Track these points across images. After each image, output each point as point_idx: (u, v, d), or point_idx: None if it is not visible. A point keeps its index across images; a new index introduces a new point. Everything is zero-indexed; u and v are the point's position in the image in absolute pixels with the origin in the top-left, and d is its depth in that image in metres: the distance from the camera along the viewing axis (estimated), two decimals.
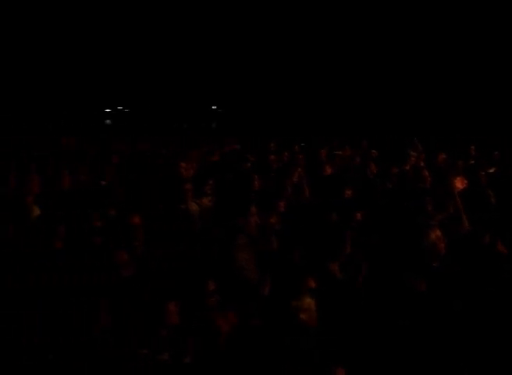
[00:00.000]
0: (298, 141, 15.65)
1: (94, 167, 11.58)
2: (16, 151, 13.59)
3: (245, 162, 11.96)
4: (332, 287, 6.81)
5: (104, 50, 29.16)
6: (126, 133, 22.33)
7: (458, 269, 6.81)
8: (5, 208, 9.05)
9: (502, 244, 7.52)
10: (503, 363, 5.98)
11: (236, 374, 5.77)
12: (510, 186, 10.39)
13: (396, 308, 6.28)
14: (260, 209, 8.42)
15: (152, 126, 29.59)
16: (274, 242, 8.02)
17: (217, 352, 5.86)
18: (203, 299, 6.32)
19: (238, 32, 28.32)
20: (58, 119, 27.79)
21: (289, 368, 5.50)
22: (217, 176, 10.43)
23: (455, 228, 8.09)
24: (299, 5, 27.02)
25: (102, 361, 6.00)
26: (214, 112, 36.08)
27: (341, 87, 27.63)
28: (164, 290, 6.58)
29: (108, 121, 35.73)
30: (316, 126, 23.39)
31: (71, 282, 7.17)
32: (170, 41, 29.16)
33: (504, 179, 11.10)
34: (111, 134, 22.28)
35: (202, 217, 9.20)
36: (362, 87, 27.18)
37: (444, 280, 6.60)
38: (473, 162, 12.87)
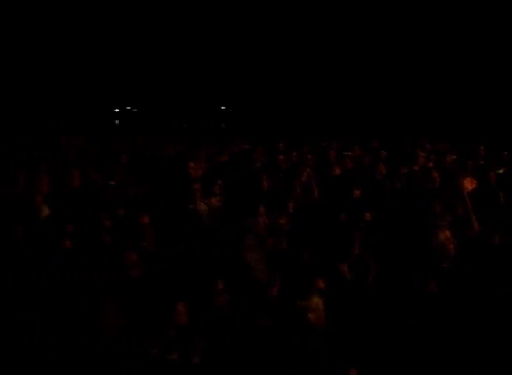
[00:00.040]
0: (307, 141, 15.61)
1: (103, 167, 11.60)
2: (20, 151, 13.62)
3: (254, 162, 11.94)
4: (341, 287, 6.80)
5: (113, 50, 29.20)
6: (134, 133, 22.36)
7: (467, 269, 6.79)
8: (15, 208, 9.08)
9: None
10: None
11: (245, 374, 5.78)
12: None
13: (404, 308, 6.26)
14: (269, 210, 8.42)
15: (161, 126, 29.63)
16: (283, 242, 8.01)
17: (225, 352, 5.87)
18: (212, 299, 6.33)
19: (247, 33, 28.31)
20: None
21: (297, 367, 5.50)
22: (226, 176, 10.43)
23: (464, 229, 8.07)
24: (310, 5, 27.00)
25: (111, 361, 6.01)
26: (223, 112, 36.09)
27: (351, 87, 27.60)
28: (172, 290, 6.59)
29: (116, 121, 35.79)
30: (325, 127, 23.36)
31: (76, 282, 7.21)
32: (179, 42, 29.17)
33: None
34: (119, 134, 22.29)
35: (211, 217, 9.20)
36: (372, 88, 27.14)
37: (453, 280, 6.59)
38: (482, 162, 12.80)
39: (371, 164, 11.87)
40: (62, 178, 10.64)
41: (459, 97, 24.84)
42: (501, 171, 11.96)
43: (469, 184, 10.19)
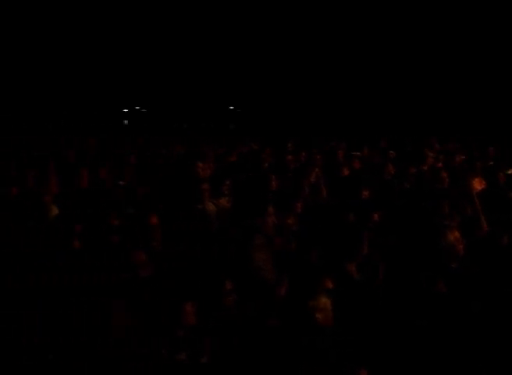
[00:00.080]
0: (316, 141, 15.63)
1: (111, 167, 11.63)
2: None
3: (262, 163, 11.96)
4: (349, 287, 6.80)
5: (122, 51, 29.26)
6: (143, 134, 22.41)
7: (476, 270, 6.78)
8: (24, 208, 9.10)
9: None
10: None
11: (253, 374, 5.78)
12: None
13: (413, 308, 6.26)
14: (277, 210, 8.42)
15: (169, 127, 29.69)
16: (291, 242, 8.01)
17: (234, 352, 5.87)
18: (220, 299, 6.33)
19: (256, 34, 28.33)
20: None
21: (305, 367, 5.50)
22: (234, 176, 10.44)
23: (473, 229, 8.05)
24: (320, 5, 27.00)
25: (119, 361, 6.02)
26: (231, 113, 36.11)
27: (360, 87, 27.58)
28: (181, 290, 6.60)
29: (125, 121, 35.86)
30: (334, 127, 23.37)
31: (84, 282, 7.22)
32: (189, 42, 29.21)
33: None
34: (128, 134, 22.34)
35: (219, 217, 9.21)
36: (381, 88, 27.12)
37: (462, 281, 6.57)
38: (491, 163, 12.79)
39: (380, 164, 11.87)
40: (71, 178, 10.68)
41: (468, 97, 24.79)
42: (510, 172, 11.94)
43: (478, 185, 10.16)
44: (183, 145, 15.63)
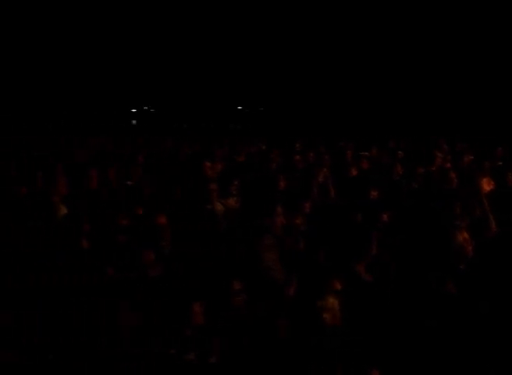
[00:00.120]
0: (324, 141, 15.62)
1: (120, 167, 11.65)
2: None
3: (270, 163, 11.97)
4: (358, 287, 6.79)
5: (131, 51, 29.31)
6: (151, 133, 22.45)
7: (485, 271, 6.76)
8: (33, 208, 9.13)
9: None
10: None
11: (261, 374, 5.78)
12: None
13: (422, 308, 6.25)
14: (285, 210, 8.42)
15: (178, 127, 29.72)
16: (300, 242, 8.01)
17: (242, 352, 5.87)
18: (229, 299, 6.34)
19: (264, 35, 28.33)
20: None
21: (313, 367, 5.50)
22: (242, 176, 10.45)
23: (482, 230, 8.02)
24: (329, 7, 27.00)
25: (128, 360, 6.04)
26: (239, 113, 36.12)
27: (369, 88, 27.56)
28: (189, 290, 6.60)
29: (133, 121, 35.90)
30: (342, 127, 23.35)
31: (93, 281, 7.24)
32: (198, 43, 29.24)
33: None
34: (137, 134, 22.38)
35: (227, 217, 9.22)
36: (390, 89, 27.09)
37: (471, 282, 6.56)
38: (500, 163, 12.76)
39: (388, 164, 11.86)
40: (80, 178, 10.71)
41: (477, 98, 24.74)
42: None
43: (487, 185, 10.13)
44: (191, 145, 15.65)
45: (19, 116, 26.73)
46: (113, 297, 6.79)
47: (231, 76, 30.23)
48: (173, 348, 6.03)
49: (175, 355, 5.98)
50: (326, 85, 28.52)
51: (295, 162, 12.04)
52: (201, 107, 33.12)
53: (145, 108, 36.31)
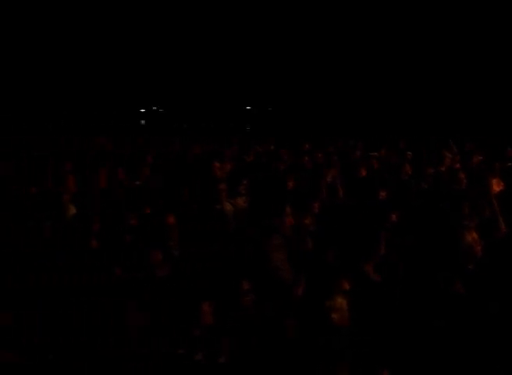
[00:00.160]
0: (333, 141, 15.62)
1: (129, 167, 11.67)
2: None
3: (279, 163, 11.96)
4: (366, 287, 6.79)
5: (139, 50, 29.34)
6: (160, 134, 22.47)
7: (494, 271, 6.74)
8: (43, 207, 9.17)
9: None
10: None
11: (270, 374, 5.79)
12: None
13: (431, 309, 6.24)
14: (294, 210, 8.42)
15: (187, 127, 29.74)
16: (308, 242, 8.00)
17: (251, 352, 5.88)
18: (238, 299, 6.34)
19: (272, 34, 28.33)
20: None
21: (322, 367, 5.50)
22: (251, 176, 10.45)
23: (491, 230, 8.00)
24: (339, 6, 27.01)
25: (137, 360, 6.05)
26: (248, 113, 36.10)
27: (378, 88, 27.53)
28: (198, 290, 6.62)
29: (142, 121, 35.92)
30: (351, 127, 23.33)
31: (101, 281, 7.26)
32: (206, 43, 29.26)
33: None
34: (145, 134, 22.41)
35: (236, 217, 9.22)
36: (399, 89, 27.05)
37: (480, 282, 6.54)
38: (510, 164, 12.71)
39: (397, 165, 11.84)
40: (89, 178, 10.74)
41: (487, 98, 24.68)
42: None
43: (496, 186, 10.09)
44: (200, 145, 15.65)
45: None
46: (121, 297, 6.81)
47: (240, 77, 30.22)
48: (182, 348, 6.04)
49: (183, 355, 5.99)
50: (335, 85, 28.48)
51: (304, 163, 12.03)
52: (210, 107, 33.12)
53: (154, 108, 36.33)
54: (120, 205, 9.46)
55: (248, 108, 35.85)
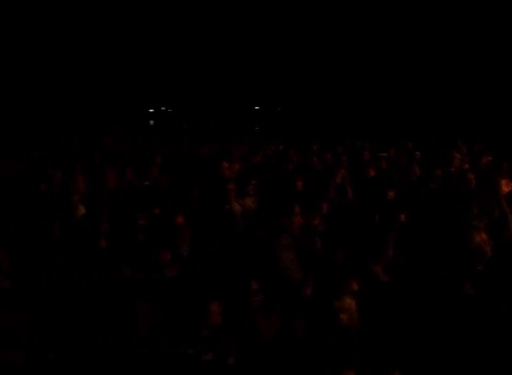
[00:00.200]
0: (341, 142, 15.60)
1: (138, 167, 11.68)
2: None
3: (288, 163, 11.95)
4: (375, 288, 6.78)
5: (148, 51, 29.37)
6: (169, 134, 22.49)
7: (504, 271, 6.73)
8: (52, 207, 9.20)
9: None
10: None
11: (279, 374, 5.78)
12: None
13: (440, 309, 6.23)
14: (303, 210, 8.42)
15: (195, 127, 29.74)
16: (317, 243, 8.00)
17: (260, 352, 5.88)
18: (246, 299, 6.34)
19: (280, 34, 28.33)
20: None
21: (330, 368, 5.49)
22: (260, 176, 10.45)
23: (500, 231, 7.98)
24: (347, 7, 26.99)
25: (146, 360, 6.06)
26: (257, 113, 36.08)
27: (386, 89, 27.49)
28: (207, 290, 6.62)
29: (151, 121, 35.94)
30: (360, 128, 23.30)
31: (110, 281, 7.28)
32: (215, 43, 29.27)
33: None
34: (154, 135, 22.42)
35: (245, 217, 9.23)
36: (408, 90, 27.01)
37: (489, 282, 6.53)
38: None
39: (406, 165, 11.82)
40: (98, 178, 10.77)
41: (496, 99, 24.61)
42: None
43: (505, 186, 10.08)
44: (209, 146, 15.65)
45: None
46: (130, 297, 6.82)
47: (248, 77, 30.22)
48: (191, 348, 6.04)
49: (192, 355, 6.00)
50: (344, 86, 28.45)
51: (312, 163, 12.01)
52: (218, 108, 33.12)
53: (163, 108, 36.35)
54: (129, 205, 9.48)
55: (257, 108, 35.84)
